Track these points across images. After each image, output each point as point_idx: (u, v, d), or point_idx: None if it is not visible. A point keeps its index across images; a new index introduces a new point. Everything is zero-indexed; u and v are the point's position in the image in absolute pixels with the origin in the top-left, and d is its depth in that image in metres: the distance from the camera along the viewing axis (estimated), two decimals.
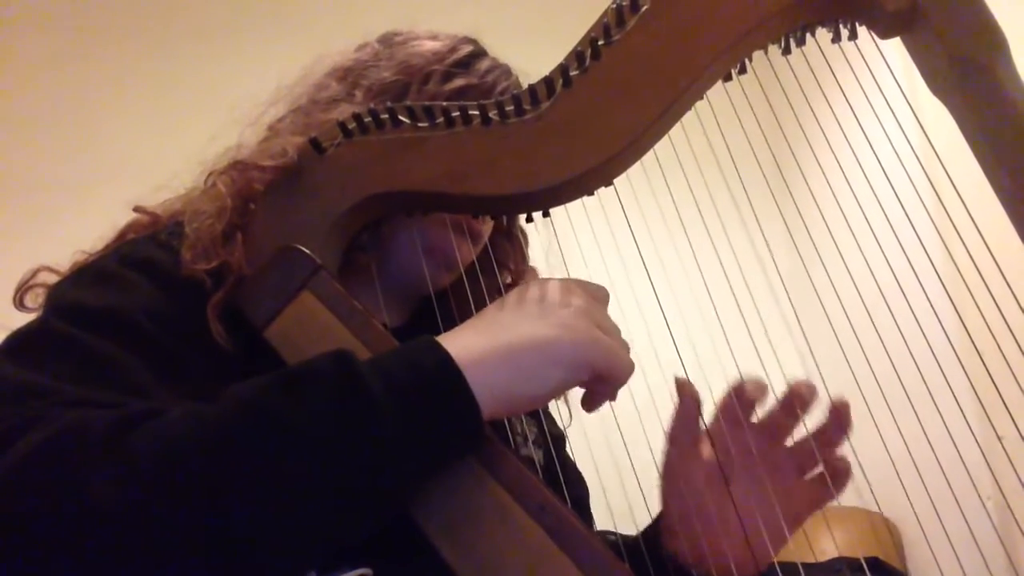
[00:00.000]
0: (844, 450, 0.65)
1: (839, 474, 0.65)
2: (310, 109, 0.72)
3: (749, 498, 0.64)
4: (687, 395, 0.66)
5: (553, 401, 0.83)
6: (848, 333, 0.72)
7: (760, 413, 0.66)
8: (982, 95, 0.54)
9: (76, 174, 2.14)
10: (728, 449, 0.66)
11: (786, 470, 0.66)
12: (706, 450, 0.67)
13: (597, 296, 0.59)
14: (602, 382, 0.55)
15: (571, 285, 0.58)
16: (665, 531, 0.70)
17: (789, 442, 0.66)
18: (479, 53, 0.77)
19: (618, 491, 0.72)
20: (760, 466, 0.65)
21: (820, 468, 0.65)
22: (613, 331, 0.57)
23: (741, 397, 0.65)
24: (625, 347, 0.57)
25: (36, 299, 0.62)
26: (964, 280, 0.61)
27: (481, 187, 0.60)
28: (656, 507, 0.72)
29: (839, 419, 0.64)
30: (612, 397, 0.58)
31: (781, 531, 0.64)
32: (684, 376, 0.66)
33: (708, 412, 0.67)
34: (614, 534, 0.76)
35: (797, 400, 0.64)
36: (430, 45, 0.76)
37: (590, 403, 0.59)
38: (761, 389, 0.65)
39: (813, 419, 0.65)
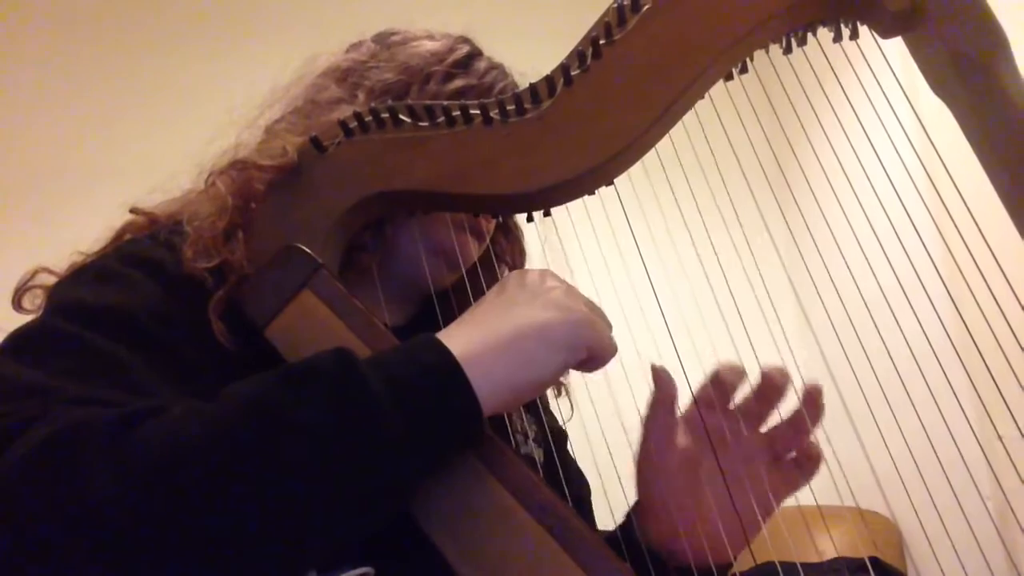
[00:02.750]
0: (817, 436, 0.66)
1: (811, 460, 0.65)
2: (309, 110, 0.71)
3: (723, 484, 0.65)
4: (662, 382, 0.66)
5: (554, 398, 0.84)
6: (849, 332, 0.72)
7: (737, 399, 0.66)
8: (983, 94, 0.54)
9: (73, 175, 2.13)
10: (703, 436, 0.66)
11: (760, 456, 0.66)
12: (681, 437, 0.67)
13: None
14: (587, 362, 0.56)
15: (546, 272, 0.59)
16: (641, 519, 0.70)
17: (764, 429, 0.67)
18: (476, 53, 0.77)
19: (619, 489, 0.71)
20: (734, 452, 0.65)
21: (792, 454, 0.66)
22: (597, 310, 0.57)
23: (719, 384, 0.65)
24: (608, 326, 0.58)
25: (34, 301, 0.62)
26: (965, 279, 0.61)
27: (482, 187, 0.60)
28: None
29: (813, 405, 0.64)
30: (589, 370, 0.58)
31: (755, 517, 0.64)
32: (660, 364, 0.66)
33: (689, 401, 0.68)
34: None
35: (770, 387, 0.65)
36: (429, 45, 0.75)
37: None
38: (739, 374, 0.65)
39: (788, 405, 0.65)
